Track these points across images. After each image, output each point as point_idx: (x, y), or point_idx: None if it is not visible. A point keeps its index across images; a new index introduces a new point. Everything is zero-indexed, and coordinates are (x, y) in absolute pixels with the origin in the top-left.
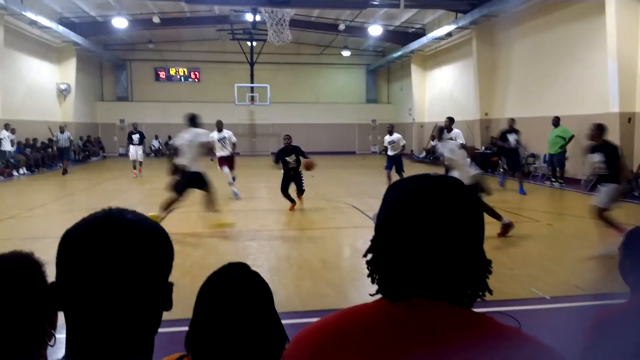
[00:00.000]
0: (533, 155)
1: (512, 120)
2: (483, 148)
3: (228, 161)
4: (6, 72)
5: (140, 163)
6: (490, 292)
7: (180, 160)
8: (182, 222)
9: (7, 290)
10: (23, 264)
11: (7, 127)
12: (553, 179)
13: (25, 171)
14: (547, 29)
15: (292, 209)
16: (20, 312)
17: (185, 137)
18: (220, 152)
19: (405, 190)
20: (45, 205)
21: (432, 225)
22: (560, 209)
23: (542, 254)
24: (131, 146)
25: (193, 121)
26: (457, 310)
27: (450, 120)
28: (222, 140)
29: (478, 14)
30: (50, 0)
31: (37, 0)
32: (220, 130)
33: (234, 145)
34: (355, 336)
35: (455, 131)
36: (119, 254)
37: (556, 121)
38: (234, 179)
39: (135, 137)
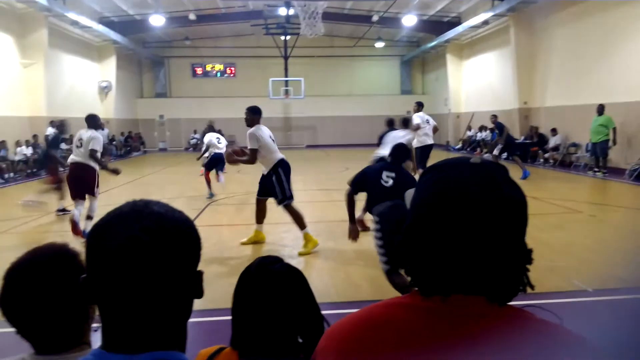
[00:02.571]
0: (574, 145)
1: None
2: (522, 138)
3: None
4: (50, 72)
5: None
6: (532, 286)
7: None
8: (221, 214)
9: (48, 279)
10: (60, 254)
11: (52, 124)
12: (596, 169)
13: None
14: (588, 15)
15: None
16: (61, 300)
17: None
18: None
19: (444, 177)
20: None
21: (473, 217)
22: (604, 199)
23: (584, 245)
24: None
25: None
26: (496, 306)
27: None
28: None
29: (516, 1)
30: (91, 1)
31: (78, 1)
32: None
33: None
34: (386, 333)
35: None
36: (145, 245)
37: (601, 109)
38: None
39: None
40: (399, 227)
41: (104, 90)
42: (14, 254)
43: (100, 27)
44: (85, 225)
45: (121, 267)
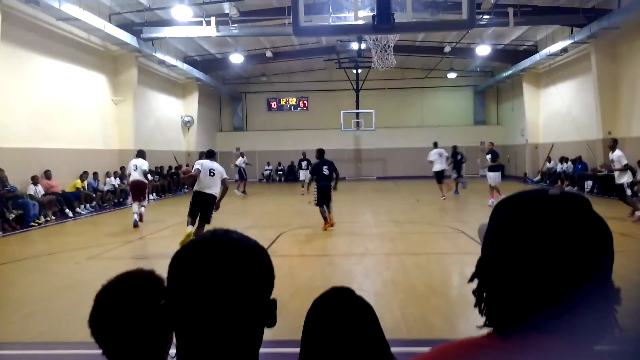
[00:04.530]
0: None
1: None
2: (606, 171)
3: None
4: (138, 107)
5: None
6: (621, 330)
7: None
8: (292, 245)
9: (135, 302)
10: (147, 279)
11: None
12: None
13: (155, 196)
14: None
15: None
16: (146, 324)
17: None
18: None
19: (519, 211)
20: (171, 227)
21: (554, 252)
22: None
23: None
24: (301, 171)
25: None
26: (578, 349)
27: None
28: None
29: (597, 27)
30: (176, 41)
31: (165, 42)
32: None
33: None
34: None
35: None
36: (226, 272)
37: None
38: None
39: (304, 163)
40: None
41: (187, 125)
42: (102, 278)
43: (185, 66)
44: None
45: (201, 292)
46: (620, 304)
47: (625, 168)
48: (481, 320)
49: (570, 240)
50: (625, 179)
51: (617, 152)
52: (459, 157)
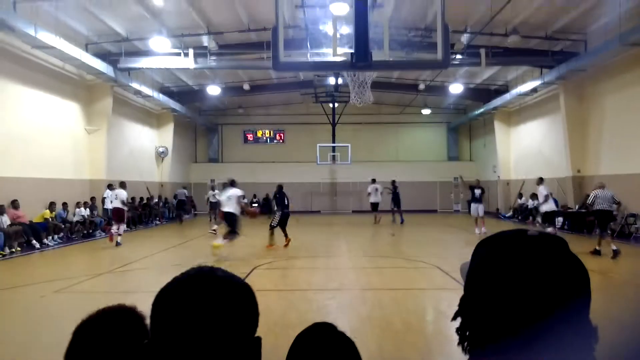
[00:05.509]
0: (634, 215)
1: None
2: (576, 207)
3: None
4: (112, 137)
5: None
6: None
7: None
8: (266, 279)
9: (114, 338)
10: (128, 315)
11: (110, 186)
12: None
13: (126, 228)
14: None
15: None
16: None
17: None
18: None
19: (499, 251)
20: (142, 259)
21: (533, 291)
22: None
23: None
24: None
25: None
26: None
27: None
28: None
29: (565, 69)
30: (153, 72)
31: (142, 73)
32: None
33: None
34: None
35: None
36: (212, 309)
37: None
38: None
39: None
40: None
41: (161, 155)
42: (69, 312)
43: (161, 97)
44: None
45: (186, 330)
46: (598, 341)
47: (546, 199)
48: (461, 357)
49: (549, 279)
50: (546, 207)
51: (541, 187)
52: (397, 190)
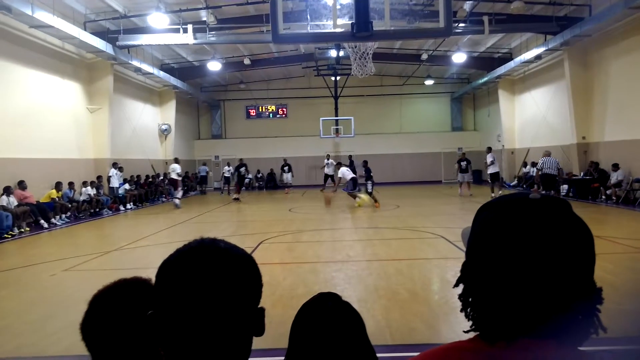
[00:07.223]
0: (639, 181)
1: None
2: (581, 174)
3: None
4: (114, 116)
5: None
6: (604, 329)
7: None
8: (273, 253)
9: (128, 309)
10: (143, 286)
11: (115, 165)
12: None
13: (132, 206)
14: None
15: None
16: (139, 332)
17: None
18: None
19: (501, 216)
20: (149, 236)
21: (536, 254)
22: None
23: None
24: (284, 174)
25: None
26: (565, 351)
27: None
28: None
29: (569, 35)
30: (153, 49)
31: (142, 50)
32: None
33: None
34: None
35: None
36: (214, 281)
37: None
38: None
39: (286, 168)
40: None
41: (164, 133)
42: (78, 290)
43: (162, 74)
44: None
45: (189, 301)
46: (602, 303)
47: (491, 163)
48: (465, 324)
49: (552, 242)
50: (491, 169)
51: (489, 155)
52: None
